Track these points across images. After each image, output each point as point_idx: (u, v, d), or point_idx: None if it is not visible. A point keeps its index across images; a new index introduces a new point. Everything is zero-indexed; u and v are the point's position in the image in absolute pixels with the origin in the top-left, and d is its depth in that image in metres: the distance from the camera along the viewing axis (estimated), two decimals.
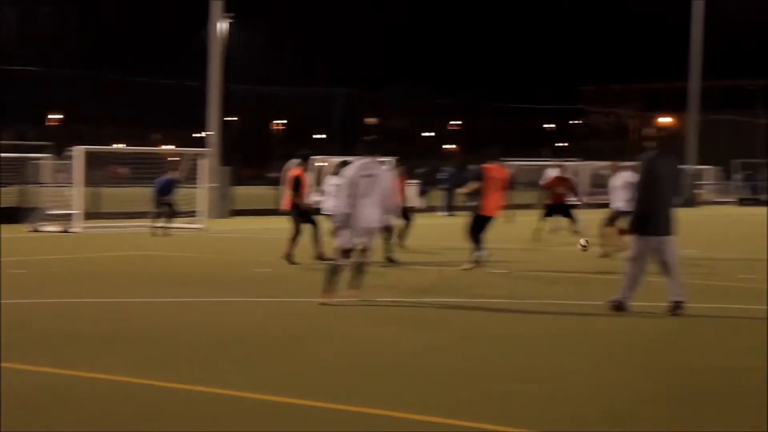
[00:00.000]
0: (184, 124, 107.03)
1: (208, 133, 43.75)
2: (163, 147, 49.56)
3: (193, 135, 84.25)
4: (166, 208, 30.58)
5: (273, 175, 52.03)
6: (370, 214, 14.71)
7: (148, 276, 19.09)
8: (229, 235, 31.37)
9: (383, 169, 15.16)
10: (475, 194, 20.07)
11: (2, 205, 37.17)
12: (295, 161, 22.72)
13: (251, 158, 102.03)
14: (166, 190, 30.86)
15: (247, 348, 11.37)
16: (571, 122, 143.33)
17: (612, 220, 23.12)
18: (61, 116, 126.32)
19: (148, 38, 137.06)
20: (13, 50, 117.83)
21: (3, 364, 10.12)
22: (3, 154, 41.98)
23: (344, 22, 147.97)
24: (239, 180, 48.40)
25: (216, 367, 10.26)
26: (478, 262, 19.99)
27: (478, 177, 20.21)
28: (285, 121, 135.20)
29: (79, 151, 32.72)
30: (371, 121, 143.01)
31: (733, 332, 13.03)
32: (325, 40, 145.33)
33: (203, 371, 10.04)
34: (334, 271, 14.85)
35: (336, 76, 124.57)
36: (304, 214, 21.71)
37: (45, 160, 37.94)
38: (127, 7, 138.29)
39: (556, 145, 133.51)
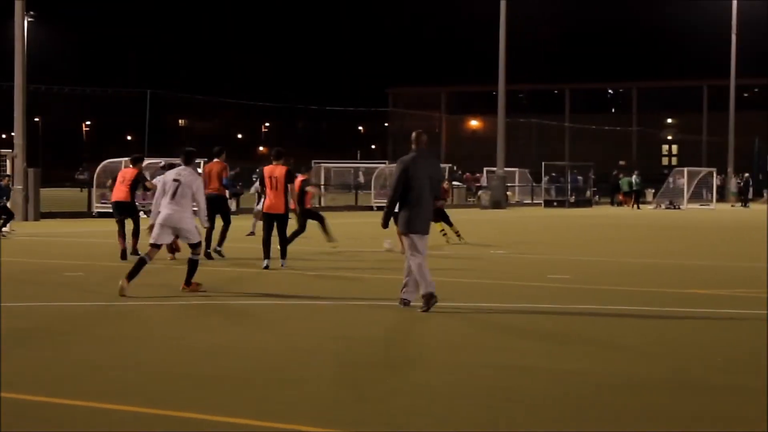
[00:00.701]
0: None
1: (13, 133, 42.64)
2: None
3: (2, 136, 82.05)
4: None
5: (82, 177, 51.12)
6: (176, 213, 16.31)
7: None
8: (38, 238, 30.61)
9: (194, 175, 16.68)
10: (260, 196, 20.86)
11: None
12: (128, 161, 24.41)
13: (60, 160, 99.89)
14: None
15: (35, 349, 11.13)
16: (384, 124, 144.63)
17: None
18: None
19: None
20: None
21: None
22: None
23: (154, 23, 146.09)
24: (48, 182, 47.36)
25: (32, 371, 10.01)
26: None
27: (260, 179, 20.98)
28: (92, 122, 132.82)
29: None
30: (182, 122, 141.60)
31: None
32: (134, 42, 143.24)
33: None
34: (140, 263, 16.17)
35: (145, 77, 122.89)
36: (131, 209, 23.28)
37: None
38: None
39: (372, 147, 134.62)
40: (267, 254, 20.40)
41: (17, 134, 41.87)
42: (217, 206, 22.43)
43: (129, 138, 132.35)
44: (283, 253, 20.76)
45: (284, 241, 20.81)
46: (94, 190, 44.16)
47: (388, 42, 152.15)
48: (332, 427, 8.06)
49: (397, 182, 14.60)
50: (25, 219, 38.82)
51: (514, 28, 63.23)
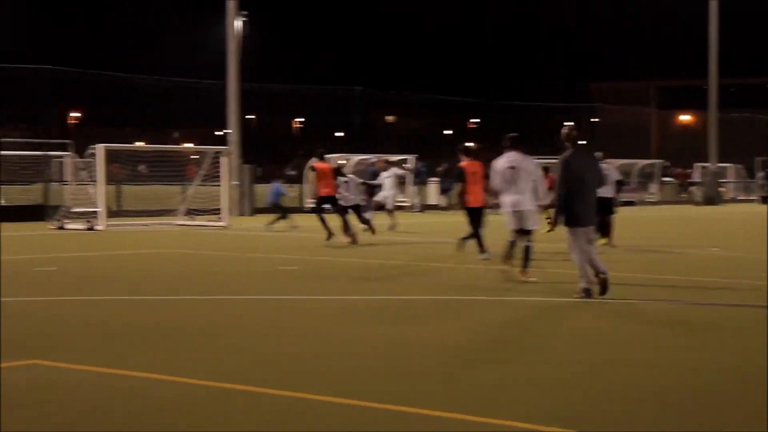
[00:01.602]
0: (203, 123, 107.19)
1: (227, 131, 43.80)
2: (185, 145, 49.54)
3: (215, 133, 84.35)
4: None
5: (292, 173, 52.08)
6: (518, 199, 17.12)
7: (175, 274, 19.10)
8: (252, 232, 31.34)
9: (527, 159, 17.45)
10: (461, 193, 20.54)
11: (27, 203, 37.34)
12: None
13: (271, 156, 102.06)
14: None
15: (273, 345, 11.35)
16: (591, 120, 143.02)
17: None
18: (81, 115, 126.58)
19: (165, 37, 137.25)
20: (30, 48, 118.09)
21: (33, 362, 10.14)
22: (25, 153, 42.19)
23: (364, 22, 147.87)
24: (260, 178, 48.47)
25: (243, 364, 10.24)
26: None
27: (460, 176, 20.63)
28: (303, 120, 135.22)
29: (100, 149, 32.75)
30: (389, 119, 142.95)
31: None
32: (342, 39, 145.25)
33: (229, 368, 10.02)
34: (511, 246, 17.22)
35: (352, 75, 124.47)
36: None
37: (67, 158, 38.10)
38: (144, 7, 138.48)
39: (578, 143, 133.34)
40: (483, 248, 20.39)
41: (232, 131, 43.01)
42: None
43: (338, 135, 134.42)
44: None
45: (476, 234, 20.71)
46: (304, 186, 44.93)
47: (590, 36, 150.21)
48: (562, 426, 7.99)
49: (561, 179, 14.99)
50: (241, 214, 39.83)
51: (726, 18, 61.64)
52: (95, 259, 22.32)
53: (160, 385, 9.23)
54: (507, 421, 7.91)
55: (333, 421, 8.01)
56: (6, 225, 31.97)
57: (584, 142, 15.77)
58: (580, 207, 14.88)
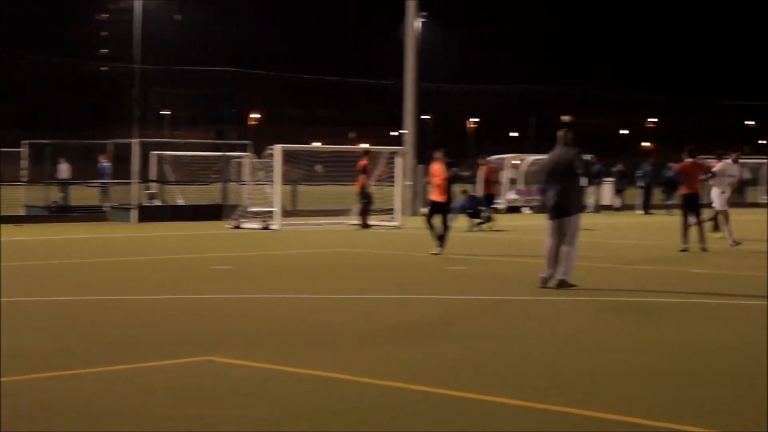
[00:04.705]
0: (379, 123, 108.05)
1: (403, 131, 44.05)
2: (361, 145, 49.99)
3: (390, 133, 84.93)
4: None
5: (465, 173, 52.05)
6: None
7: (350, 273, 19.34)
8: (425, 232, 31.43)
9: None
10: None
11: (205, 203, 38.27)
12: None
13: (445, 157, 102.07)
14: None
15: (448, 344, 11.40)
16: None
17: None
18: (260, 116, 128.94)
19: (344, 38, 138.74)
20: (211, 52, 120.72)
21: (207, 358, 10.40)
22: (206, 153, 43.24)
23: (533, 19, 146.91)
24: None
25: (420, 364, 10.32)
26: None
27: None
28: (478, 120, 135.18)
29: (278, 150, 33.28)
30: (566, 118, 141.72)
31: None
32: (516, 38, 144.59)
33: (402, 366, 10.10)
34: None
35: (526, 73, 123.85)
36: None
37: (246, 158, 38.86)
38: (321, 7, 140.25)
39: (759, 142, 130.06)
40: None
41: (408, 131, 43.25)
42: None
43: (512, 134, 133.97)
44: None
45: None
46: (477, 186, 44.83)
47: None
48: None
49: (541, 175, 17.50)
50: (413, 214, 40.03)
51: None
52: (270, 257, 22.73)
53: (336, 383, 9.37)
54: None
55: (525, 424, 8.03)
56: (184, 224, 32.84)
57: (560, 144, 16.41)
58: (551, 200, 16.33)
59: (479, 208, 32.43)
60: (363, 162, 33.32)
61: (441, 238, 22.72)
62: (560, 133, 16.71)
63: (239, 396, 8.80)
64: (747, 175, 53.64)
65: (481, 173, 37.70)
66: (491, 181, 36.47)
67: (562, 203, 16.24)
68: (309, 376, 9.58)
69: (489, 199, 35.13)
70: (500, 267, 20.91)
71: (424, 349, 11.15)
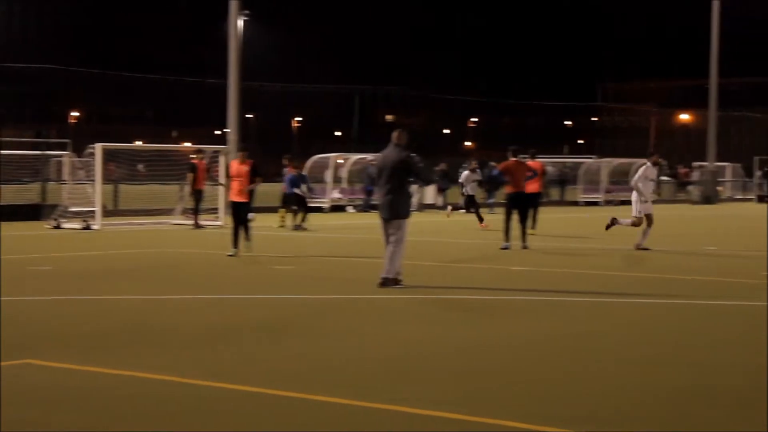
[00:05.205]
0: (202, 122, 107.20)
1: (226, 130, 43.76)
2: (185, 144, 49.51)
3: (214, 132, 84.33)
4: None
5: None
6: None
7: (174, 272, 19.13)
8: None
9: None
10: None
11: (24, 202, 37.35)
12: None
13: (269, 156, 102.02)
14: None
15: (275, 344, 11.39)
16: (592, 119, 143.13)
17: None
18: (81, 114, 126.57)
19: (167, 36, 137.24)
20: (31, 48, 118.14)
21: (26, 361, 10.17)
22: (24, 152, 42.16)
23: (360, 20, 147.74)
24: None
25: (246, 364, 10.27)
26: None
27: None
28: (302, 119, 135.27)
29: (98, 149, 32.72)
30: (389, 118, 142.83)
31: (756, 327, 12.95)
32: (340, 39, 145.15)
33: (224, 367, 10.05)
34: None
35: (351, 74, 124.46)
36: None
37: (65, 157, 38.06)
38: (144, 6, 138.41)
39: (578, 142, 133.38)
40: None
41: (231, 131, 42.99)
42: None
43: (337, 134, 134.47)
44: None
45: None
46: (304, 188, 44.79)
47: (597, 37, 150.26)
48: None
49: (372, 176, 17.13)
50: None
51: (728, 19, 61.57)
52: (90, 258, 22.34)
53: (158, 384, 9.27)
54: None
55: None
56: (3, 224, 31.99)
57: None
58: (380, 200, 16.64)
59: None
60: (195, 161, 33.15)
61: (238, 239, 22.35)
62: (394, 134, 16.77)
63: (58, 399, 8.64)
64: (554, 173, 54.83)
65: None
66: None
67: (394, 204, 16.34)
68: (129, 378, 9.47)
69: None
70: (327, 266, 20.95)
71: (251, 349, 11.12)
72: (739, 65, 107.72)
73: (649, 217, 24.00)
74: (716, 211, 49.70)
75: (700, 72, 66.05)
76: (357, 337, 11.89)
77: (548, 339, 11.90)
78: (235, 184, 22.77)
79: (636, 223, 24.12)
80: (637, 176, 24.42)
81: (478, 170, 35.03)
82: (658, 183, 28.88)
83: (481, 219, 32.15)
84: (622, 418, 8.29)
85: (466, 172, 34.66)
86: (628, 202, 55.59)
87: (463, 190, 33.98)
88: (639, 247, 23.80)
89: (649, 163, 24.55)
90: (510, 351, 11.21)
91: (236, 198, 22.74)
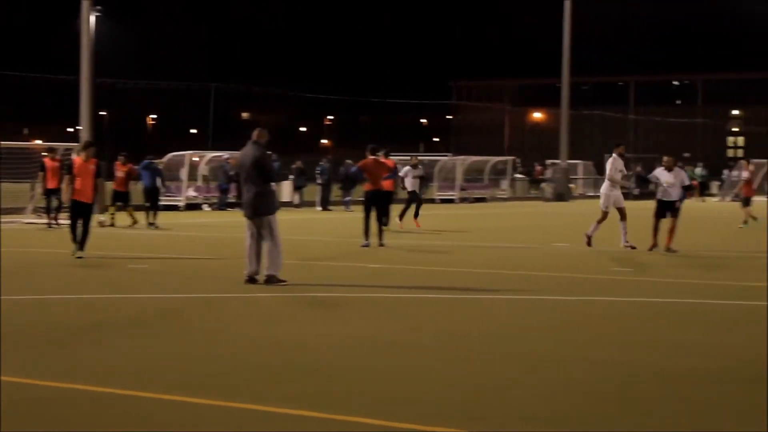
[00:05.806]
0: (55, 119, 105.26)
1: (79, 128, 43.07)
2: (36, 141, 48.56)
3: (67, 129, 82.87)
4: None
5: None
6: None
7: (29, 272, 18.75)
8: (103, 230, 30.90)
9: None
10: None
11: None
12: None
13: (124, 153, 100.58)
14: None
15: (137, 343, 11.27)
16: (447, 117, 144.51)
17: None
18: None
19: (18, 31, 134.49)
20: None
21: None
22: None
23: (216, 17, 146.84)
24: (112, 175, 47.64)
25: (107, 364, 10.14)
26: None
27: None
28: (156, 116, 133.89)
29: None
30: (245, 116, 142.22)
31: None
32: (197, 36, 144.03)
33: (84, 368, 9.92)
34: None
35: (207, 71, 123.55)
36: None
37: None
38: None
39: (434, 140, 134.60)
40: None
41: (83, 128, 42.32)
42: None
43: (193, 131, 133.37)
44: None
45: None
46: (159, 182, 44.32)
47: (451, 34, 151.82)
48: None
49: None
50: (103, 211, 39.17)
51: (580, 19, 62.78)
52: None
53: (17, 387, 9.10)
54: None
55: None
56: None
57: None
58: (244, 198, 16.77)
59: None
60: (47, 160, 31.57)
61: (82, 241, 21.10)
62: (255, 132, 16.83)
63: None
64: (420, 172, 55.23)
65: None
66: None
67: (255, 202, 16.42)
68: None
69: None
70: (181, 265, 20.78)
71: (110, 349, 10.97)
72: (591, 65, 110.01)
73: (621, 211, 24.45)
74: (568, 208, 50.66)
75: (553, 71, 67.28)
76: (219, 335, 11.82)
77: (390, 337, 12.00)
78: (77, 182, 21.06)
79: (601, 219, 24.54)
80: (608, 169, 24.71)
81: (419, 166, 33.72)
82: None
83: (416, 215, 31.79)
84: (465, 415, 8.41)
85: (406, 167, 33.38)
86: (483, 200, 56.42)
87: (402, 184, 32.72)
88: (588, 235, 24.47)
89: (615, 155, 24.83)
90: (362, 349, 11.28)
91: (78, 197, 21.12)
